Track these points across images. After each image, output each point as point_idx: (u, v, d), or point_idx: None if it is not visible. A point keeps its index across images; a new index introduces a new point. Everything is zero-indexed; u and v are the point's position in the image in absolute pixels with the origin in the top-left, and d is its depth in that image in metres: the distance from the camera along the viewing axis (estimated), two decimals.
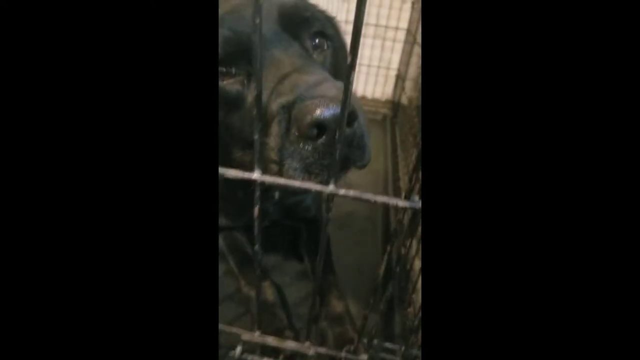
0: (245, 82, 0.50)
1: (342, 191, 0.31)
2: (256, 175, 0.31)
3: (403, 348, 0.52)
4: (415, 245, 0.84)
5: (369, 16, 1.67)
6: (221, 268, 0.85)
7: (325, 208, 0.32)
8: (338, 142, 0.27)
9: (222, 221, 0.84)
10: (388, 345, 0.54)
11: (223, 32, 0.48)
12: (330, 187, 0.31)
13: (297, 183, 0.32)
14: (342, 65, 0.61)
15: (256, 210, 0.33)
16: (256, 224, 0.34)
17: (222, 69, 0.49)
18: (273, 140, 0.42)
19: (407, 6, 1.62)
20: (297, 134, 0.39)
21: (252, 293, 0.75)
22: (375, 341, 0.50)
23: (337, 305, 0.73)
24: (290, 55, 0.48)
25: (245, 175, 0.31)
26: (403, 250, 0.80)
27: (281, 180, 0.31)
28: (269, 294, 0.75)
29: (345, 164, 0.43)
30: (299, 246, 0.92)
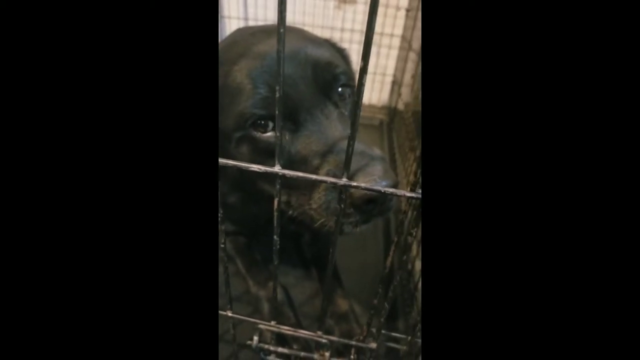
0: (287, 135, 0.55)
1: (354, 183, 0.34)
2: (277, 168, 0.34)
3: (409, 337, 0.54)
4: (416, 247, 0.87)
5: (364, 24, 1.71)
6: (229, 269, 0.88)
7: (339, 199, 0.35)
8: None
9: (229, 227, 0.88)
10: (395, 334, 0.56)
11: (262, 92, 0.53)
12: (344, 180, 0.34)
13: (313, 177, 0.35)
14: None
15: (276, 202, 0.36)
16: (275, 215, 0.37)
17: (261, 121, 0.54)
18: (317, 201, 0.50)
19: (402, 14, 1.67)
20: (349, 201, 0.47)
21: (261, 292, 0.78)
22: (383, 331, 0.53)
23: (342, 304, 0.76)
24: (327, 116, 0.54)
25: (268, 169, 0.34)
26: (404, 257, 0.82)
27: (300, 174, 0.34)
28: (278, 293, 0.77)
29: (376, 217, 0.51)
30: (301, 250, 0.95)
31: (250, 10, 1.82)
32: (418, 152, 0.95)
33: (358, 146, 0.48)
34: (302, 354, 0.54)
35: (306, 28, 0.72)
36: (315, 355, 0.50)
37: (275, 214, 0.37)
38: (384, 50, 1.74)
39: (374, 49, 1.66)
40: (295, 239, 0.97)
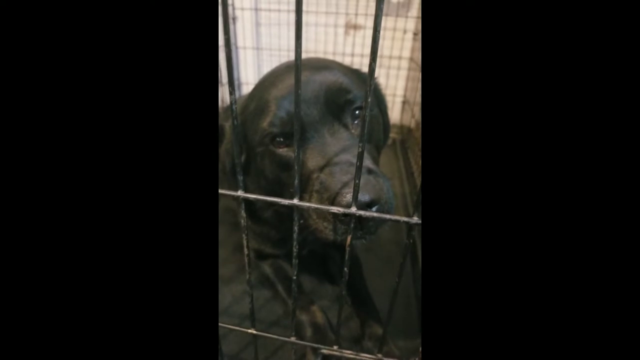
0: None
1: (365, 213, 0.38)
2: (295, 201, 0.38)
3: None
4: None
5: None
6: (268, 293, 0.90)
7: (349, 230, 0.39)
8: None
9: (268, 249, 0.90)
10: None
11: (280, 114, 0.61)
12: (353, 209, 0.38)
13: (324, 207, 0.39)
14: (375, 129, 0.72)
15: (295, 229, 0.40)
16: (295, 243, 0.41)
17: (279, 139, 0.62)
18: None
19: (408, 36, 1.72)
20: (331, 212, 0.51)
21: (303, 317, 0.78)
22: None
23: (376, 326, 0.77)
24: (332, 134, 0.61)
25: (288, 202, 0.38)
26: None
27: (313, 205, 0.39)
28: (319, 317, 0.78)
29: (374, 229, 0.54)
30: (329, 269, 0.97)
31: (264, 40, 1.91)
32: None
33: (349, 158, 0.55)
34: None
35: (318, 55, 0.76)
36: None
37: (295, 242, 0.41)
38: (393, 72, 1.79)
39: (383, 71, 1.70)
40: (324, 261, 0.98)
